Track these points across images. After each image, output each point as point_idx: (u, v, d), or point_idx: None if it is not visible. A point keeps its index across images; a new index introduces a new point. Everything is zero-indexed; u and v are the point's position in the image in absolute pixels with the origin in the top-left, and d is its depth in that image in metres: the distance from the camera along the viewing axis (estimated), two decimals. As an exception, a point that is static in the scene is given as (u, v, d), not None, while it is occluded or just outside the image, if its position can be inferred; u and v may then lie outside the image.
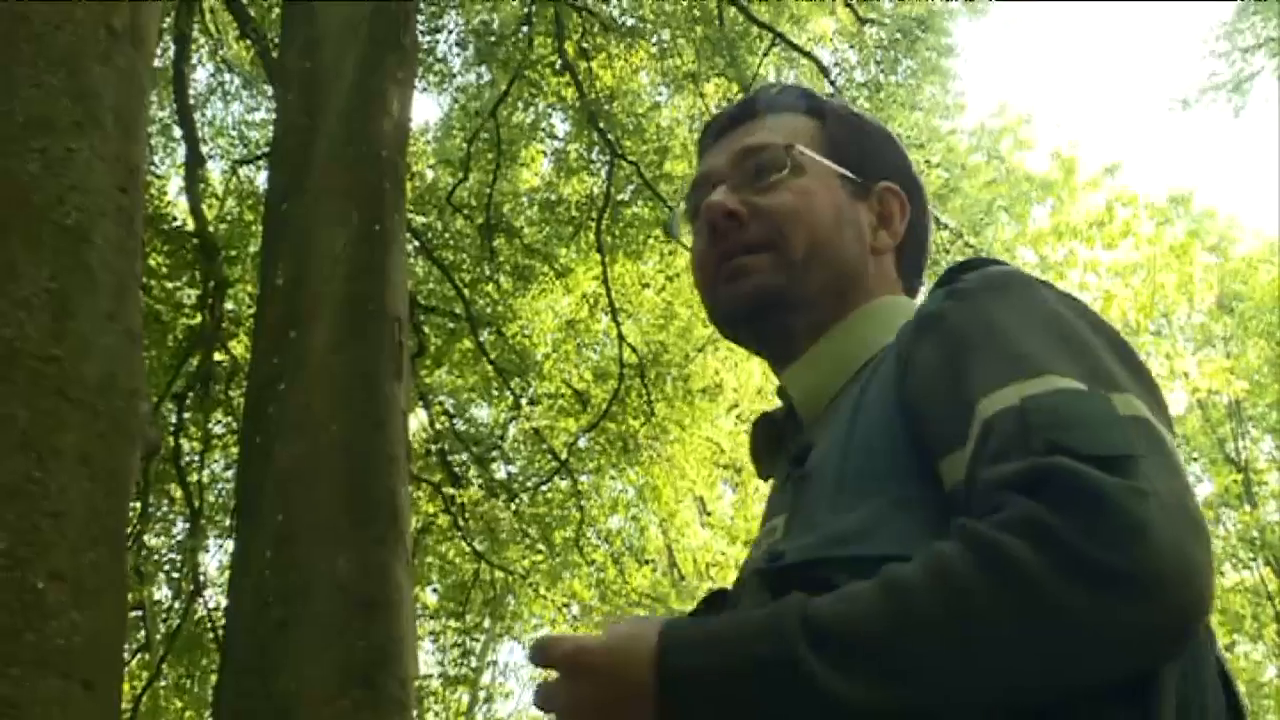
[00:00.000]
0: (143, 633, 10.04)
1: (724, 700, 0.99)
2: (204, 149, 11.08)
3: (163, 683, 11.15)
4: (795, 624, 0.97)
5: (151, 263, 8.54)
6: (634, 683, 1.02)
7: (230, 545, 6.18)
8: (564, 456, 12.15)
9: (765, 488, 1.41)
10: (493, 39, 11.84)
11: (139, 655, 10.21)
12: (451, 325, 11.57)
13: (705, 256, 1.38)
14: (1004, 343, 1.07)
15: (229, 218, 10.89)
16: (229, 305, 9.75)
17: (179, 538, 10.99)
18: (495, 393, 12.89)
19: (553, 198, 12.69)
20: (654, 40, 11.97)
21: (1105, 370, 1.05)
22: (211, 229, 9.81)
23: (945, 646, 0.93)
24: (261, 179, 10.33)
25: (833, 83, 11.38)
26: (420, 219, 11.27)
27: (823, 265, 1.33)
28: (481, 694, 19.42)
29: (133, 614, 9.00)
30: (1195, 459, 21.79)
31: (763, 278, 1.33)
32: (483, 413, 13.86)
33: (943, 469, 1.07)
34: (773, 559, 1.15)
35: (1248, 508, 18.86)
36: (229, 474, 10.59)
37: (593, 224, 11.37)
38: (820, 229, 1.34)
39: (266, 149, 9.24)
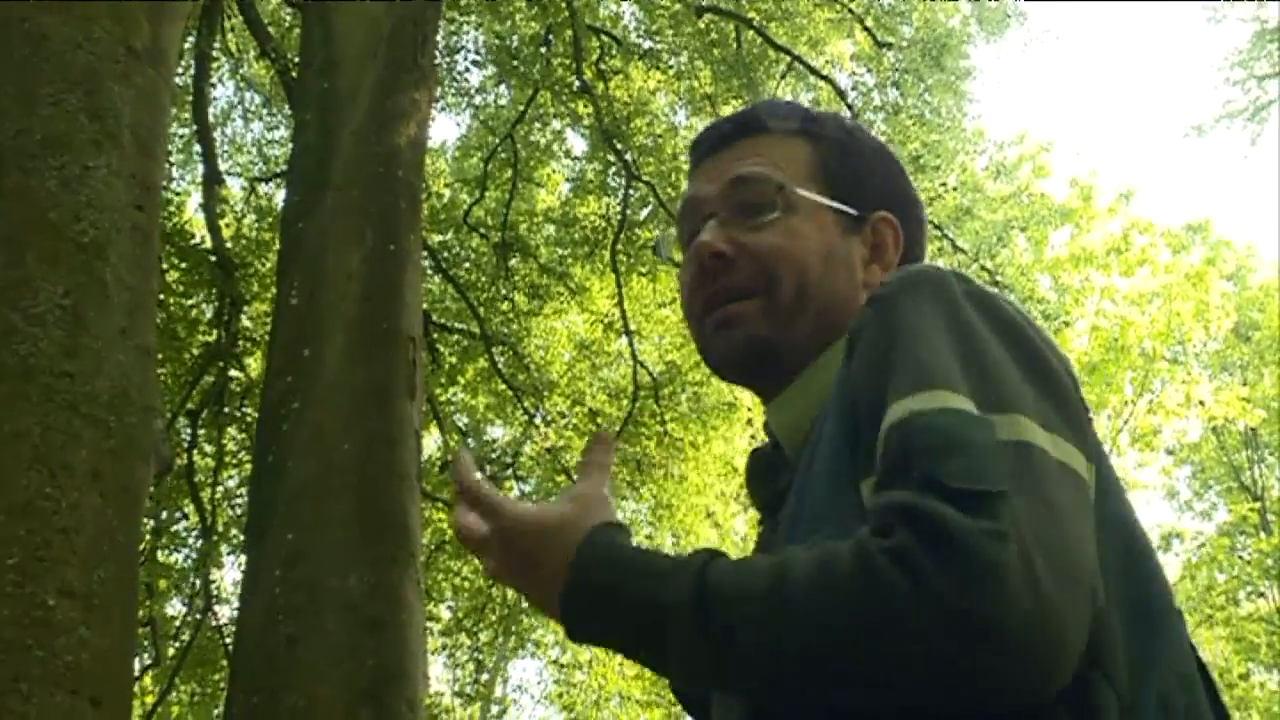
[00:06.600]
0: (154, 649, 10.03)
1: (614, 617, 1.09)
2: (223, 166, 11.13)
3: (176, 696, 11.15)
4: (693, 578, 1.04)
5: (168, 279, 8.57)
6: (551, 564, 1.14)
7: (243, 561, 6.19)
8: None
9: None
10: (511, 57, 11.88)
11: (149, 671, 10.21)
12: (466, 343, 11.59)
13: (693, 293, 1.37)
14: (910, 347, 1.07)
15: (246, 235, 10.92)
16: (244, 322, 9.76)
17: (192, 554, 11.01)
18: (509, 411, 12.90)
19: (568, 217, 12.73)
20: (671, 62, 12.01)
21: (998, 385, 1.05)
22: (229, 246, 9.83)
23: (805, 637, 0.98)
24: (280, 196, 10.37)
25: (850, 106, 11.39)
26: (436, 237, 11.30)
27: (812, 311, 1.31)
28: (494, 708, 19.40)
29: (143, 629, 9.00)
30: (1211, 486, 21.71)
31: (751, 328, 1.31)
32: (497, 431, 13.88)
33: (862, 491, 1.08)
34: None
35: (1264, 535, 18.75)
36: (242, 490, 10.61)
37: (608, 244, 11.40)
38: (810, 273, 1.31)
39: (285, 167, 9.28)
